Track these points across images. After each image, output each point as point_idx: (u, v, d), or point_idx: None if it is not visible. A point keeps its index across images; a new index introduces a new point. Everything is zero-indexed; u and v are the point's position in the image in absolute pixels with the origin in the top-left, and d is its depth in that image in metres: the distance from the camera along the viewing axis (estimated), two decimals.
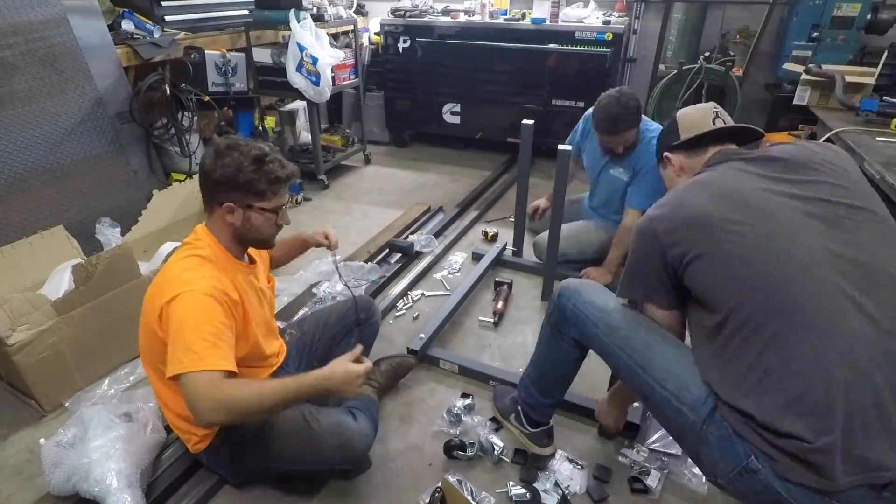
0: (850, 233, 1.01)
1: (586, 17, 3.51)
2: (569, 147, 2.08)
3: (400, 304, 2.32)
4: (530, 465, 1.55)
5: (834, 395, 0.91)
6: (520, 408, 1.58)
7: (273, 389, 1.17)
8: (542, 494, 1.45)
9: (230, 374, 1.16)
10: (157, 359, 1.26)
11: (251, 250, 1.45)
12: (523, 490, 1.45)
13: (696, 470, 1.51)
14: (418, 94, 4.06)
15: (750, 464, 1.00)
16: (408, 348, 1.96)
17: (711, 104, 1.33)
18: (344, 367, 1.22)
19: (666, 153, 1.34)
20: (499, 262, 2.61)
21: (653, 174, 2.02)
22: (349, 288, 1.84)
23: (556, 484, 1.47)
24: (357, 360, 1.25)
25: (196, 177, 2.55)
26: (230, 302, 1.24)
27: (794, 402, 0.94)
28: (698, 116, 1.30)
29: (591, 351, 1.36)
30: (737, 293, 1.02)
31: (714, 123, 1.27)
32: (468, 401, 1.72)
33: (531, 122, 2.27)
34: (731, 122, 1.29)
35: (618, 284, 1.25)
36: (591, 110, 2.23)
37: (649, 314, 1.22)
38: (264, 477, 1.49)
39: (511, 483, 1.47)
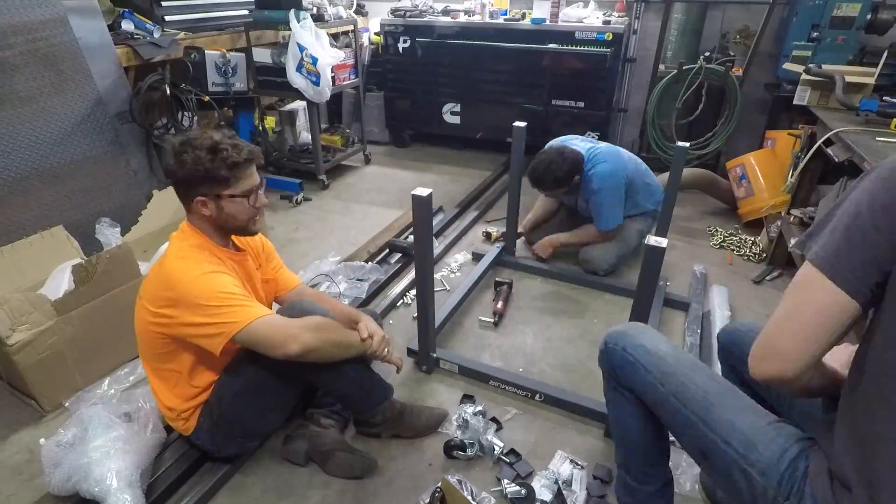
0: None
1: (586, 17, 3.51)
2: (523, 124, 2.31)
3: (400, 303, 2.32)
4: (524, 462, 1.55)
5: None
6: None
7: (332, 325, 1.39)
8: (538, 490, 1.45)
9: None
10: (149, 352, 1.38)
11: (244, 242, 1.51)
12: (518, 487, 1.45)
13: (695, 469, 1.51)
14: (418, 94, 4.07)
15: None
16: (408, 348, 1.96)
17: None
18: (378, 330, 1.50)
19: None
20: (499, 262, 2.61)
21: (596, 197, 2.38)
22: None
23: (555, 481, 1.47)
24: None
25: None
26: (231, 275, 1.34)
27: None
28: None
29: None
30: None
31: None
32: (479, 407, 1.71)
33: (523, 124, 2.29)
34: None
35: (811, 232, 0.84)
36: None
37: (806, 293, 0.80)
38: (255, 440, 1.55)
39: (506, 481, 1.47)
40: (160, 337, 1.32)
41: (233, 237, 1.45)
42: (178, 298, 1.24)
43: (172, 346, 1.34)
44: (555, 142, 2.48)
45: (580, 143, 2.47)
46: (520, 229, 2.70)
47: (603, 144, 2.47)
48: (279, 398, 1.47)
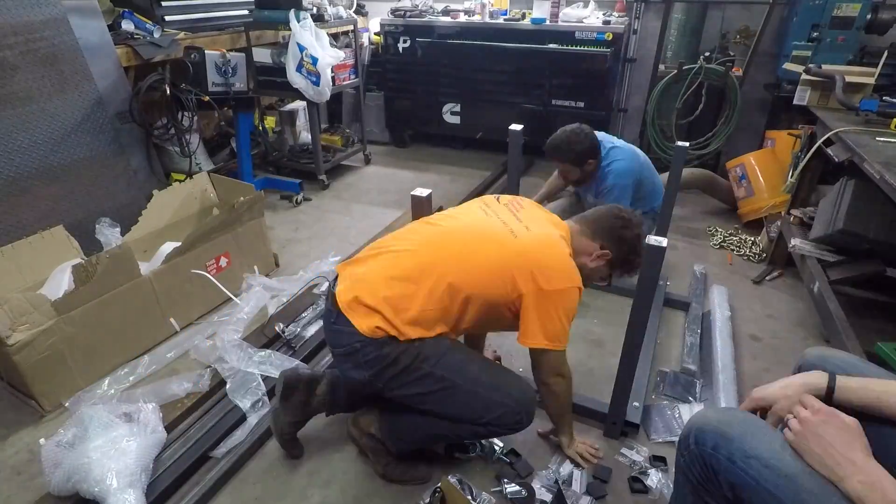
0: None
1: (586, 17, 3.51)
2: (519, 127, 2.23)
3: None
4: (524, 462, 1.55)
5: None
6: None
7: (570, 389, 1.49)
8: (538, 490, 1.45)
9: None
10: (477, 285, 1.31)
11: None
12: (518, 487, 1.45)
13: None
14: (418, 94, 4.06)
15: None
16: None
17: None
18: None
19: None
20: None
21: (607, 193, 2.34)
22: None
23: (555, 481, 1.47)
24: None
25: (197, 177, 2.58)
26: None
27: None
28: None
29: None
30: None
31: None
32: None
33: (519, 127, 2.27)
34: None
35: None
36: None
37: None
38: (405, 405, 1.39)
39: (506, 480, 1.47)
40: (510, 291, 1.32)
41: None
42: (556, 295, 1.31)
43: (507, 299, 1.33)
44: None
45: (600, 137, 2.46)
46: None
47: (620, 142, 2.46)
48: (437, 410, 1.35)
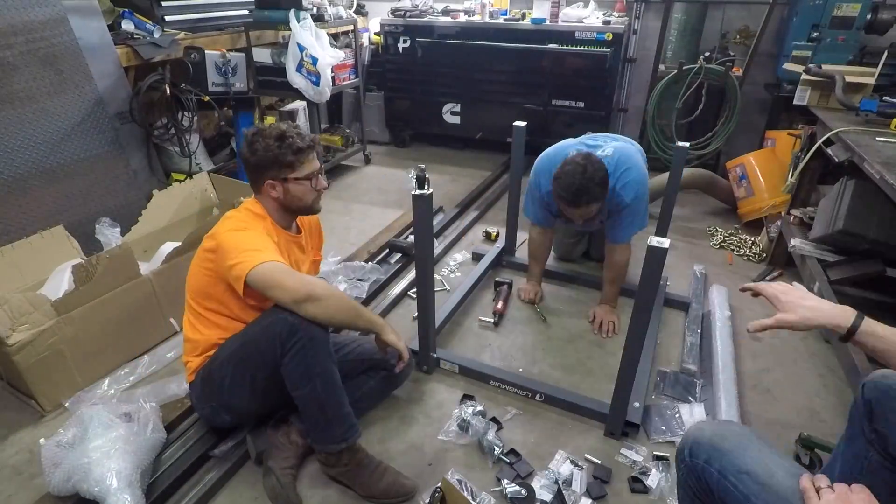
0: None
1: (586, 17, 3.51)
2: (523, 123, 2.20)
3: (399, 303, 2.32)
4: (524, 462, 1.54)
5: None
6: None
7: (343, 296, 1.44)
8: (538, 490, 1.45)
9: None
10: (196, 290, 1.49)
11: (303, 222, 1.66)
12: (518, 487, 1.45)
13: None
14: (418, 94, 4.07)
15: None
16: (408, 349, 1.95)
17: None
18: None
19: None
20: (499, 263, 2.61)
21: (627, 210, 2.03)
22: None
23: (555, 481, 1.47)
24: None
25: (197, 177, 2.58)
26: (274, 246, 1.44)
27: None
28: None
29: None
30: None
31: None
32: (479, 407, 1.70)
33: (523, 123, 2.28)
34: None
35: None
36: (538, 163, 2.16)
37: None
38: (225, 414, 1.53)
39: (506, 481, 1.47)
40: (208, 275, 1.44)
41: (298, 217, 1.61)
42: (217, 247, 1.39)
43: (219, 287, 1.43)
44: (549, 150, 2.18)
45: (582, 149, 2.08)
46: (527, 297, 2.35)
47: (610, 147, 2.09)
48: (256, 378, 1.41)
